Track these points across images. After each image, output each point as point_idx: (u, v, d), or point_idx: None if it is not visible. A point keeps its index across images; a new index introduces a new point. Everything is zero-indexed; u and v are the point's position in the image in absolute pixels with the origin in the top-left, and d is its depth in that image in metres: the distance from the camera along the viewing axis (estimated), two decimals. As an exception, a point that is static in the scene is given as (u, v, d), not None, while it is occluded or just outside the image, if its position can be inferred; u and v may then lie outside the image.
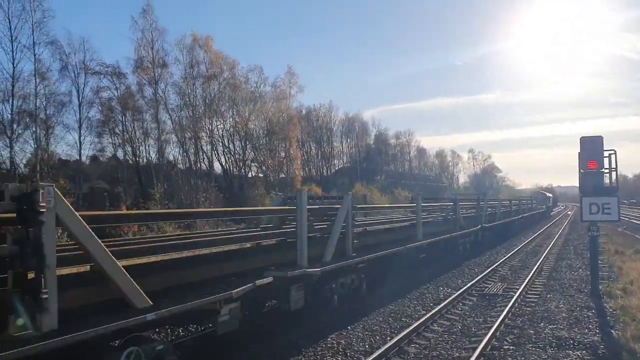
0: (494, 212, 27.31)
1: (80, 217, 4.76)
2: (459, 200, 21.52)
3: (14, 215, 4.26)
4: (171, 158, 47.15)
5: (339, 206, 10.20)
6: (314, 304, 9.24)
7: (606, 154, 12.19)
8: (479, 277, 14.54)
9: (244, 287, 6.82)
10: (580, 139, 12.28)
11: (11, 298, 4.14)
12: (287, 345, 8.12)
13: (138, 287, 5.27)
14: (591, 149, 12.18)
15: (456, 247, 18.86)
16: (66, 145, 41.37)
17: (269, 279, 7.53)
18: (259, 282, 7.24)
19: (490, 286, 13.58)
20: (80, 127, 39.86)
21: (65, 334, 4.38)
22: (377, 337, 8.72)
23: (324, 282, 9.35)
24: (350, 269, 10.34)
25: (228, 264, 7.33)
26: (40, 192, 4.28)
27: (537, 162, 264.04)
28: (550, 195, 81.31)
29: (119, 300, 5.18)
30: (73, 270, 5.05)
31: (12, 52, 32.57)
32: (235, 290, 6.54)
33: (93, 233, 4.86)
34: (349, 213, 10.21)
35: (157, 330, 8.06)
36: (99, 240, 4.93)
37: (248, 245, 8.24)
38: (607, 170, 12.34)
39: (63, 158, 39.43)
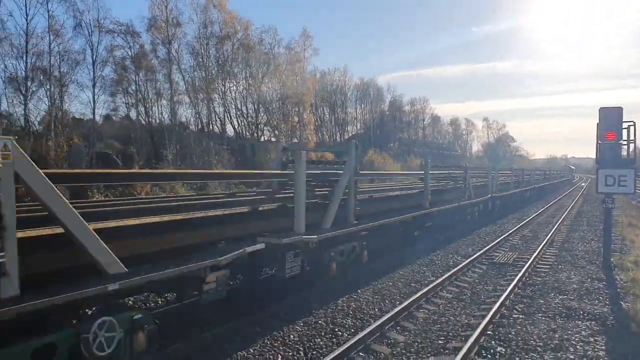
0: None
1: (43, 174, 4.32)
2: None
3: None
4: (183, 119, 47.01)
5: (341, 172, 9.51)
6: (313, 271, 8.98)
7: (625, 125, 11.94)
8: (489, 246, 14.59)
9: (232, 253, 6.28)
10: (600, 109, 12.01)
11: None
12: (299, 305, 8.27)
13: (110, 252, 4.81)
14: (610, 120, 11.92)
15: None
16: (80, 103, 41.52)
17: (261, 245, 7.05)
18: (249, 248, 6.73)
19: (500, 255, 13.62)
20: (94, 85, 39.70)
21: (26, 302, 4.05)
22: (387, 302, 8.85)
23: (323, 250, 8.88)
24: (351, 236, 9.76)
25: (228, 227, 6.95)
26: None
27: (552, 133, 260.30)
28: (574, 167, 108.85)
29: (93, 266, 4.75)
30: (38, 232, 4.67)
31: (26, 7, 32.07)
32: (223, 257, 6.03)
33: (58, 192, 4.41)
34: (352, 179, 9.56)
35: (145, 294, 7.95)
36: (65, 200, 4.50)
37: (245, 209, 7.60)
38: (625, 142, 12.13)
39: (77, 117, 39.53)
